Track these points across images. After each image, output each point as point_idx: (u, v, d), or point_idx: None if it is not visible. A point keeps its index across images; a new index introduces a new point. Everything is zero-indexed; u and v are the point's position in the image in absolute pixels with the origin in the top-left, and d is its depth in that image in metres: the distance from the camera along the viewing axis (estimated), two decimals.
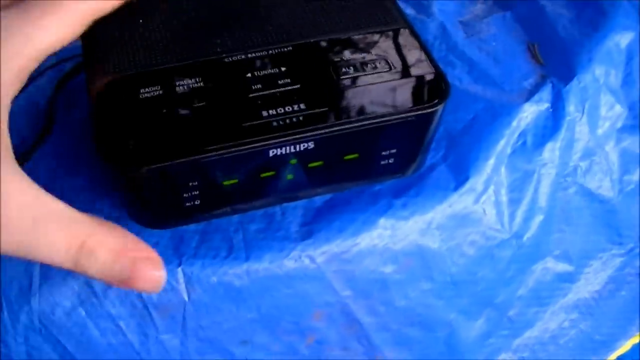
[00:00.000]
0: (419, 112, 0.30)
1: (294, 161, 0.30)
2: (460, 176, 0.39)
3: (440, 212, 0.37)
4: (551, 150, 0.40)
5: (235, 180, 0.30)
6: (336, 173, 0.32)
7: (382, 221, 0.36)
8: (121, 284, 0.27)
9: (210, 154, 0.27)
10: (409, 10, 0.47)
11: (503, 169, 0.39)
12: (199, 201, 0.30)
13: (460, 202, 0.38)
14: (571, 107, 0.41)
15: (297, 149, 0.29)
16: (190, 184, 0.29)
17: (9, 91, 0.26)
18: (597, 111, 0.42)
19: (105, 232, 0.27)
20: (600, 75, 0.42)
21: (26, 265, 0.35)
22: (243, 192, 0.31)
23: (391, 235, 0.37)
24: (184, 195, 0.29)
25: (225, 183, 0.30)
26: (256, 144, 0.28)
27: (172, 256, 0.35)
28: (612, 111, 0.42)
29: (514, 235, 0.39)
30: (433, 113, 0.31)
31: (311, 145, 0.29)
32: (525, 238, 0.40)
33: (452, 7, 0.47)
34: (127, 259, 0.26)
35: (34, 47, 0.27)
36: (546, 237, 0.41)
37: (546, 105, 0.41)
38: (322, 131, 0.28)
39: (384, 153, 0.32)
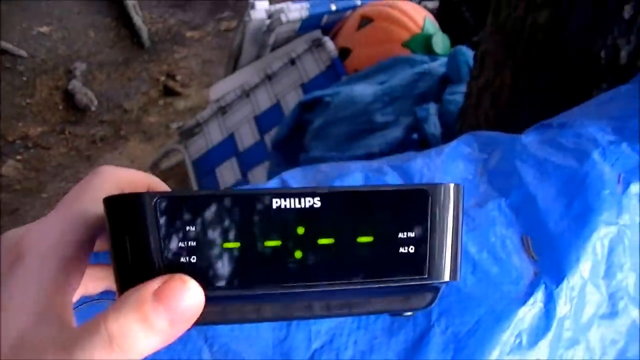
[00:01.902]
0: None
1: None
2: None
3: None
4: (542, 347, 0.46)
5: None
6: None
7: None
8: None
9: None
10: None
11: None
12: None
13: None
14: (560, 307, 0.47)
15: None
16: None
17: None
18: (582, 304, 0.48)
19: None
20: (585, 272, 0.48)
21: None
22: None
23: None
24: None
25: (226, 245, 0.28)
26: None
27: None
28: (595, 302, 0.48)
29: None
30: None
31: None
32: None
33: None
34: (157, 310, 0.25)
35: None
36: None
37: (540, 306, 0.47)
38: None
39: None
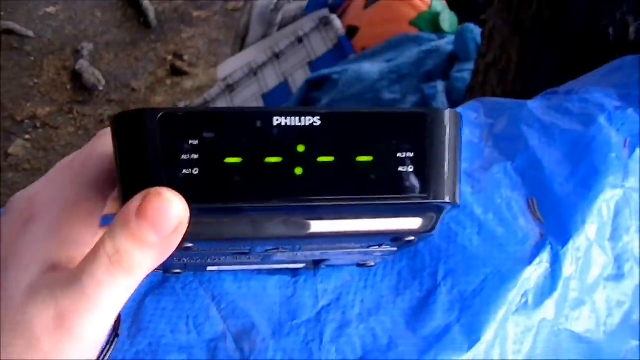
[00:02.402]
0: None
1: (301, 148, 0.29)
2: (472, 337, 0.45)
3: None
4: (548, 306, 0.47)
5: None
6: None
7: None
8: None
9: None
10: None
11: (507, 326, 0.46)
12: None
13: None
14: (566, 267, 0.47)
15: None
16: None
17: None
18: (588, 265, 0.48)
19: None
20: (591, 234, 0.48)
21: None
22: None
23: None
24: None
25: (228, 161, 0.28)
26: None
27: None
28: (601, 263, 0.49)
29: None
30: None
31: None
32: None
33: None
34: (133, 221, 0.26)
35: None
36: None
37: (545, 266, 0.47)
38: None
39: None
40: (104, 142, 0.32)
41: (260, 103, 1.75)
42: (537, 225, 0.49)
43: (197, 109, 0.29)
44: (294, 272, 0.47)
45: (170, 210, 0.26)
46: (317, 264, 0.45)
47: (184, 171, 0.27)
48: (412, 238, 0.34)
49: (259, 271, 0.47)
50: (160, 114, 0.27)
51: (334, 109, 0.29)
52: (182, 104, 2.32)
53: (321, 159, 0.29)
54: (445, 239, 0.48)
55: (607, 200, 0.49)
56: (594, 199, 0.49)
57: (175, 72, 2.48)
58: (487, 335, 0.45)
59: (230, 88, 1.80)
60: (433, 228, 0.33)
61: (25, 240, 0.30)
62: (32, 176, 2.07)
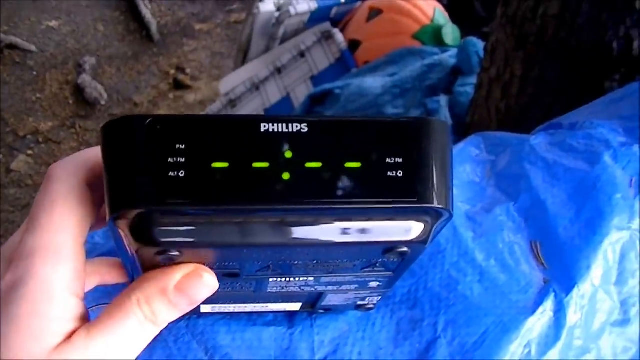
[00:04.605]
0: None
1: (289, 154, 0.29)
2: None
3: None
4: (552, 357, 0.45)
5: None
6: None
7: None
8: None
9: None
10: None
11: None
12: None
13: None
14: (571, 315, 0.46)
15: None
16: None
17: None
18: (593, 312, 0.47)
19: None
20: (597, 279, 0.47)
21: None
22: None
23: None
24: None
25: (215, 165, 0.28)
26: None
27: None
28: (606, 309, 0.47)
29: None
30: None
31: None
32: None
33: (461, 198, 0.51)
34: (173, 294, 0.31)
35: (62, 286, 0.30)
36: None
37: (549, 315, 0.46)
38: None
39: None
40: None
41: None
42: (540, 271, 0.48)
43: (185, 115, 0.29)
44: (290, 322, 0.46)
45: (206, 290, 0.31)
46: (313, 306, 0.44)
47: (170, 173, 0.28)
48: (405, 249, 0.33)
49: (254, 322, 0.46)
50: (148, 120, 0.28)
51: (322, 117, 0.30)
52: None
53: (309, 164, 0.29)
54: (445, 287, 0.47)
55: (612, 243, 0.48)
56: (600, 243, 0.47)
57: (178, 85, 2.48)
58: None
59: (232, 103, 1.80)
60: (426, 238, 0.32)
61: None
62: (34, 192, 2.07)
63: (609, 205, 0.49)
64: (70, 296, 0.30)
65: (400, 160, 0.29)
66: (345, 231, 0.31)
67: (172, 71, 2.53)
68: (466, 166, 0.55)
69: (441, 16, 1.64)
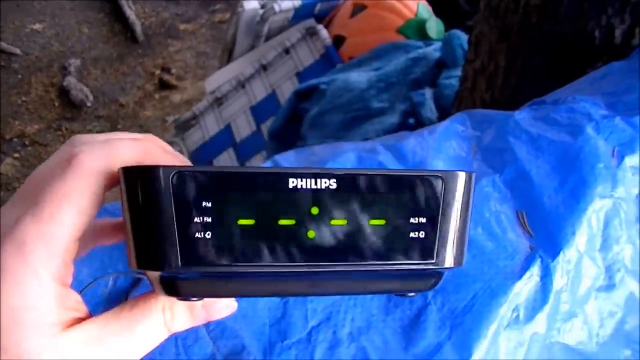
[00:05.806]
0: None
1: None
2: (463, 354, 0.45)
3: None
4: (540, 320, 0.46)
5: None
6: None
7: None
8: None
9: None
10: None
11: (499, 341, 0.46)
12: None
13: None
14: (557, 280, 0.47)
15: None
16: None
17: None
18: (578, 277, 0.48)
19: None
20: (582, 245, 0.48)
21: None
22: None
23: None
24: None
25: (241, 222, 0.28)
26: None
27: None
28: (591, 274, 0.48)
29: None
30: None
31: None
32: None
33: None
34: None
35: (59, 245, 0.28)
36: None
37: (536, 280, 0.47)
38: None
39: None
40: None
41: (249, 115, 1.75)
42: (526, 239, 0.49)
43: (213, 168, 0.28)
44: None
45: (227, 310, 0.34)
46: None
47: (197, 235, 0.27)
48: (412, 294, 0.34)
49: None
50: (174, 173, 0.27)
51: (350, 170, 0.29)
52: (171, 118, 2.31)
53: (334, 222, 0.29)
54: None
55: (596, 211, 0.49)
56: (584, 211, 0.49)
57: (164, 85, 2.48)
58: (479, 352, 0.44)
59: (218, 101, 1.80)
60: (436, 285, 0.33)
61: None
62: None
63: (592, 174, 0.50)
64: (60, 286, 0.29)
65: (424, 221, 0.29)
66: (360, 283, 0.32)
67: (158, 71, 2.54)
68: (452, 142, 0.56)
69: (425, 10, 1.65)
